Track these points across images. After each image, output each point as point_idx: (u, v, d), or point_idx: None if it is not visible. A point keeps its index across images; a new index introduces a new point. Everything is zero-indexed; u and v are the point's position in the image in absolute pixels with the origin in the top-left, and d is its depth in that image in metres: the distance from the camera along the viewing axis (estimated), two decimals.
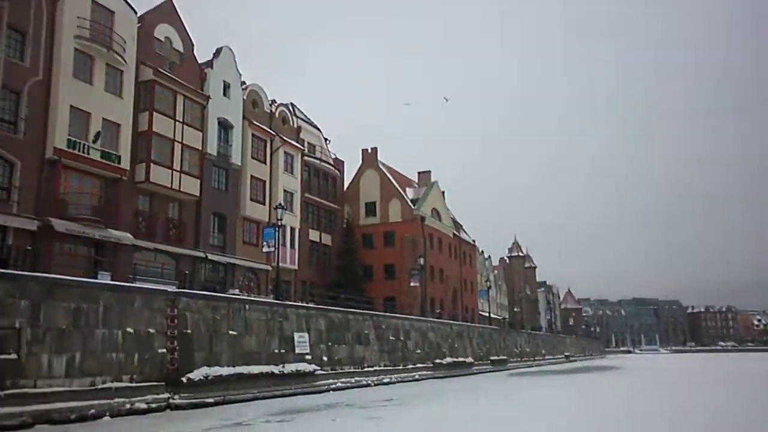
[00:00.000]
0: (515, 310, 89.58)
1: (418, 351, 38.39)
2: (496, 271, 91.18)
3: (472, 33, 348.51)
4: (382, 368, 33.45)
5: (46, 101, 26.54)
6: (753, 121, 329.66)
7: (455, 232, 63.57)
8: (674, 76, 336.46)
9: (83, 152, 27.62)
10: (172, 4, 34.80)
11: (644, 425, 15.58)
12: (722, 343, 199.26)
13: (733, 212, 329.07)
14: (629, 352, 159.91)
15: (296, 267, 43.04)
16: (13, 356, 14.67)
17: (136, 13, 31.58)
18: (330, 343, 29.24)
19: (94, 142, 28.14)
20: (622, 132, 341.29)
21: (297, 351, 26.54)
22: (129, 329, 18.24)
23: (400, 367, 35.46)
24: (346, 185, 54.80)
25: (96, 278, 21.78)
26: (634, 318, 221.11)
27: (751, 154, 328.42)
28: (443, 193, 62.04)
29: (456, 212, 69.77)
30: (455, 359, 42.76)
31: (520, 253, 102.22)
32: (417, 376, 36.54)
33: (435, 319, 43.99)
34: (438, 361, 40.25)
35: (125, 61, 30.06)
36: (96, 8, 29.06)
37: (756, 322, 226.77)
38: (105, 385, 16.95)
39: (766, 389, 30.70)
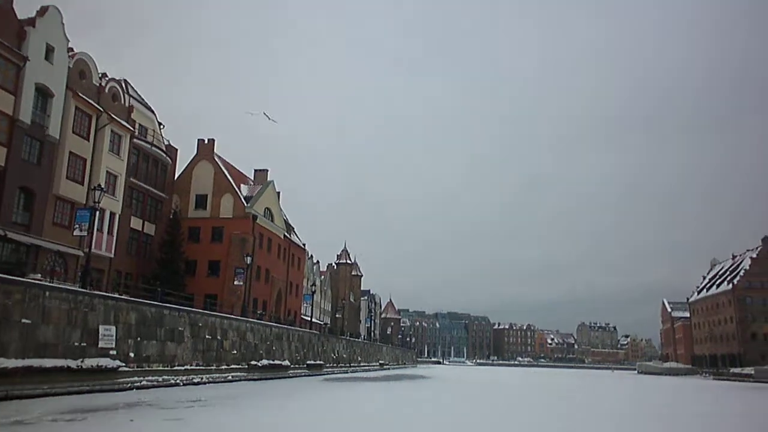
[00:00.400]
0: (337, 316, 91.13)
1: (234, 352, 37.57)
2: (323, 276, 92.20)
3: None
4: (194, 368, 32.26)
5: None
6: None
7: (286, 233, 63.29)
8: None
9: None
10: None
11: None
12: (520, 359, 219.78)
13: (537, 241, 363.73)
14: (439, 362, 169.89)
15: (112, 255, 40.07)
16: None
17: None
18: (139, 339, 27.61)
19: None
20: (452, 155, 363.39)
21: (101, 345, 24.71)
22: None
23: (213, 368, 34.46)
24: (177, 174, 52.23)
25: None
26: (447, 331, 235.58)
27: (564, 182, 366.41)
28: (278, 193, 61.53)
29: (290, 214, 69.63)
30: (272, 362, 42.46)
31: (348, 261, 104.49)
32: (230, 378, 35.74)
33: (255, 320, 43.33)
34: (254, 362, 39.69)
35: None
36: None
37: (549, 341, 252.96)
38: None
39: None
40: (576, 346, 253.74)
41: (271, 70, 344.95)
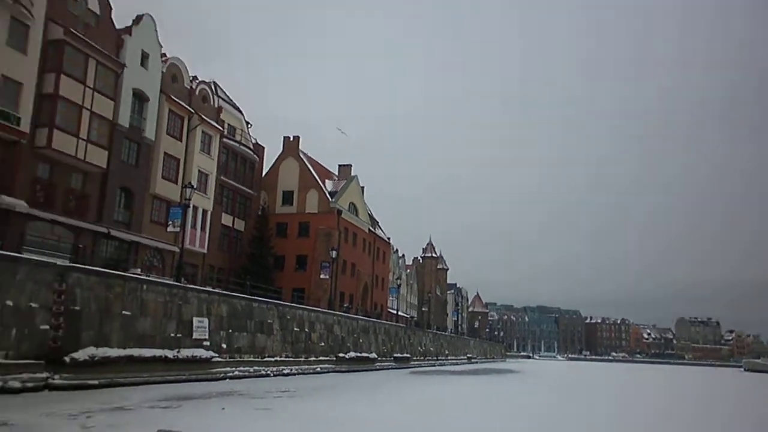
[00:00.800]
0: (424, 309, 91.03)
1: (322, 344, 38.23)
2: (408, 270, 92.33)
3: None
4: (283, 359, 33.07)
5: None
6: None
7: (371, 227, 63.80)
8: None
9: None
10: None
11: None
12: (614, 354, 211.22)
13: (635, 228, 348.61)
14: (529, 357, 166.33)
15: (205, 250, 41.83)
16: None
17: None
18: (231, 330, 28.58)
19: None
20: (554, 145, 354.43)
21: (195, 336, 25.75)
22: (8, 302, 17.03)
23: (302, 359, 35.19)
24: (264, 171, 53.83)
25: None
26: (536, 324, 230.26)
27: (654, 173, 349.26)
28: (362, 188, 62.12)
29: (374, 208, 70.17)
30: (359, 354, 42.91)
31: (434, 254, 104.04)
32: (318, 369, 36.38)
33: (342, 313, 43.94)
34: (341, 354, 40.24)
35: (32, 15, 28.05)
36: None
37: (646, 336, 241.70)
38: None
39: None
40: (675, 342, 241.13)
41: (357, 66, 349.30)
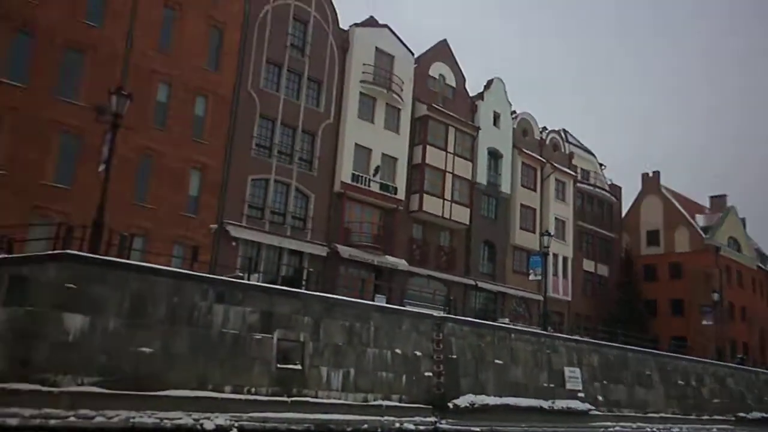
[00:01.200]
0: None
1: (715, 400, 33.28)
2: None
3: None
4: (669, 415, 29.68)
5: (335, 141, 29.86)
6: None
7: (760, 264, 54.44)
8: None
9: (365, 185, 30.33)
10: (447, 43, 36.66)
11: None
12: None
13: None
14: None
15: (569, 298, 41.11)
16: (298, 366, 16.34)
17: (413, 54, 33.97)
18: (605, 382, 26.91)
19: (374, 175, 30.73)
20: None
21: (568, 387, 24.92)
22: (397, 350, 19.03)
23: (693, 417, 31.07)
24: (623, 212, 50.99)
25: (374, 301, 23.37)
26: None
27: None
28: (743, 220, 53.81)
29: (762, 242, 59.95)
30: (766, 415, 36.06)
31: None
32: (715, 430, 31.65)
33: (735, 365, 37.84)
34: (742, 414, 34.36)
35: (402, 99, 32.40)
36: (379, 54, 31.98)
37: None
38: (376, 402, 17.83)
39: None
40: None
41: None
